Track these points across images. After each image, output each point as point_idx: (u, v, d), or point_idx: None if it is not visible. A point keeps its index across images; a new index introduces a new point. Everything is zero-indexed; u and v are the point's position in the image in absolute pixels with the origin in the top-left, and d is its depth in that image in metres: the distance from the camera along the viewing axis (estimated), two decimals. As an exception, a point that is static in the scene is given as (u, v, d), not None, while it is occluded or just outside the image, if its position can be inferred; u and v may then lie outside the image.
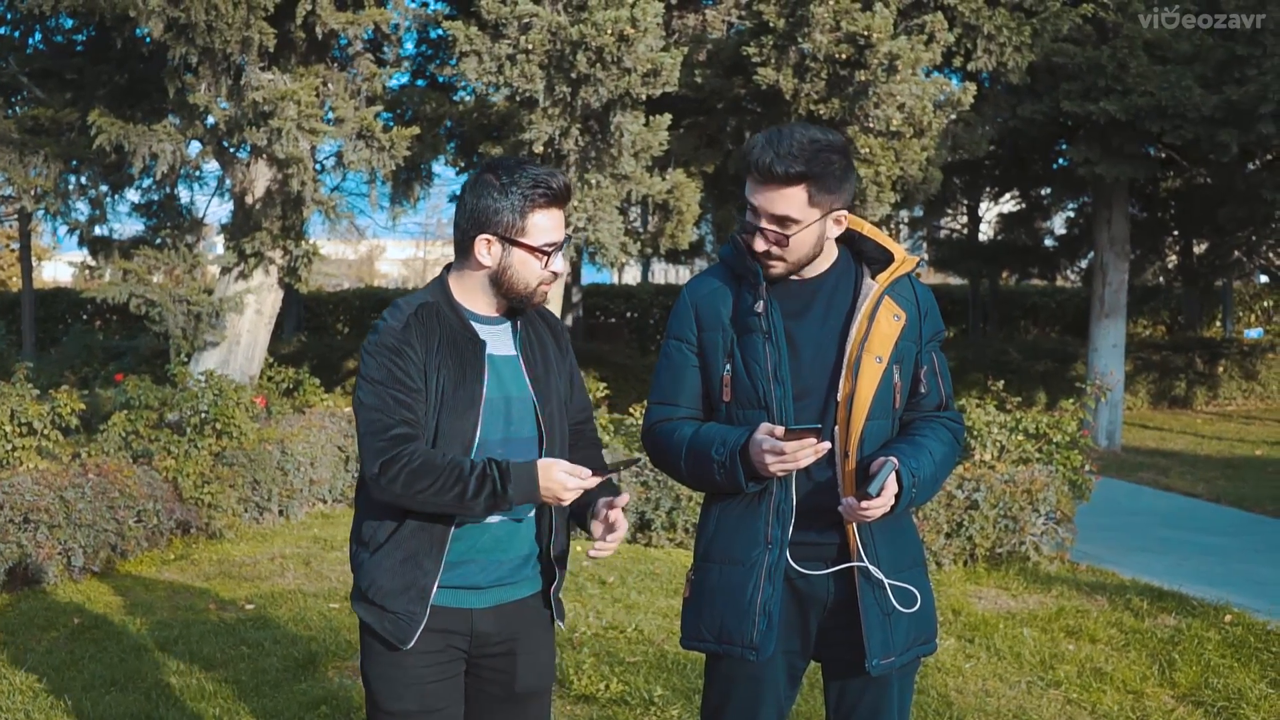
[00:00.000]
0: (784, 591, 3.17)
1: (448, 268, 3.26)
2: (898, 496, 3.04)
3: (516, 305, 3.20)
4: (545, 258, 3.12)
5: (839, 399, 3.13)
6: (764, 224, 3.11)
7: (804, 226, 3.10)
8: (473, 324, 3.16)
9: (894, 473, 3.02)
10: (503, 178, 3.09)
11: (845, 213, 3.18)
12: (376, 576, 3.10)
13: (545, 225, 3.10)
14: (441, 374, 3.07)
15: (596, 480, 3.04)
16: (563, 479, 2.99)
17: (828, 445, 3.01)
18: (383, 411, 3.03)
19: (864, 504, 2.99)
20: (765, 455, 3.01)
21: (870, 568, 3.13)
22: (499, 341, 3.19)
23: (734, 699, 3.27)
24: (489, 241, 3.10)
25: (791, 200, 3.07)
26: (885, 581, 3.14)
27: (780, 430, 3.00)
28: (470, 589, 3.14)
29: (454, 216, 3.18)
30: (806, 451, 2.98)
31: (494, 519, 3.12)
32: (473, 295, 3.19)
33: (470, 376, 3.10)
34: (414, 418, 3.04)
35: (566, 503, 3.05)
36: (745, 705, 3.25)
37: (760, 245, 3.13)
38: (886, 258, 3.25)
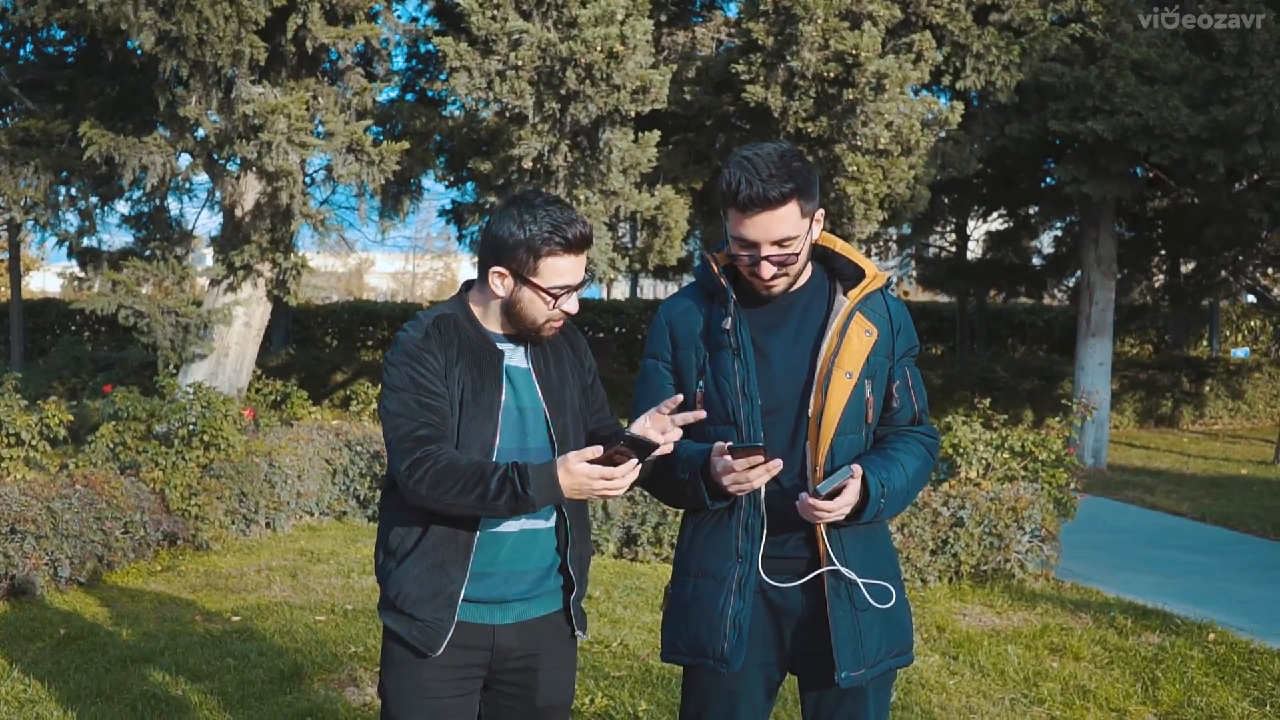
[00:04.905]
0: (759, 605, 3.20)
1: (467, 284, 3.29)
2: (864, 505, 3.07)
3: (525, 336, 3.22)
4: (553, 300, 3.13)
5: (809, 414, 3.16)
6: (766, 251, 3.14)
7: (801, 239, 3.15)
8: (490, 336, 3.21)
9: (852, 478, 3.02)
10: (524, 214, 3.09)
11: (821, 209, 3.24)
12: (404, 585, 3.12)
13: (560, 269, 3.10)
14: (461, 382, 3.11)
15: (632, 462, 2.95)
16: (586, 469, 2.93)
17: (779, 464, 3.03)
18: (407, 416, 3.05)
19: (814, 501, 3.00)
20: (721, 476, 3.06)
21: (841, 568, 3.14)
22: (514, 354, 3.23)
23: (710, 711, 3.30)
24: (502, 274, 3.13)
25: (787, 218, 3.11)
26: (859, 581, 3.14)
27: (726, 446, 3.03)
28: (494, 603, 3.16)
29: (480, 238, 3.21)
30: (758, 471, 3.01)
31: (512, 528, 3.14)
32: (488, 317, 3.23)
33: (489, 385, 3.13)
34: (438, 420, 3.07)
35: (614, 493, 2.97)
36: (721, 718, 3.28)
37: (768, 272, 3.16)
38: (859, 274, 3.29)
